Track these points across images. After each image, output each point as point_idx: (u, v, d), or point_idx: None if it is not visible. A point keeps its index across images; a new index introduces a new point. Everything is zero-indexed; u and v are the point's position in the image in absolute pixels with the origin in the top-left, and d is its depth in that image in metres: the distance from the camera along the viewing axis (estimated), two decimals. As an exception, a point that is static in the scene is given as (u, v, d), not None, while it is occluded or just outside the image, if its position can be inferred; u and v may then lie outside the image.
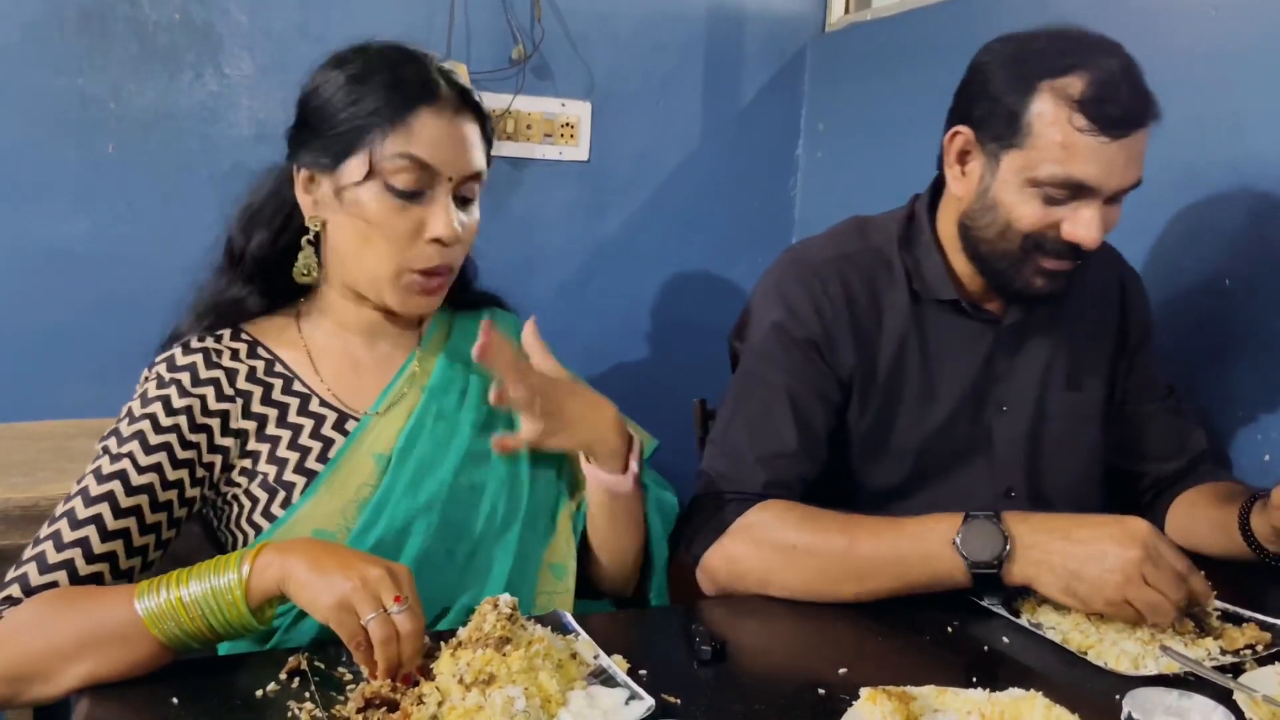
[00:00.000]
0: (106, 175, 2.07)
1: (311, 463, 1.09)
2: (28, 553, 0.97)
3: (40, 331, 2.05)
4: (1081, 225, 1.17)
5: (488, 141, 1.15)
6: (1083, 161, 1.14)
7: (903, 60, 2.24)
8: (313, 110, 1.10)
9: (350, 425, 1.12)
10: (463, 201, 1.12)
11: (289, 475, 1.08)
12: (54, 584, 0.94)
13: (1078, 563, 1.03)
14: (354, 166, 1.07)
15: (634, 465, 1.15)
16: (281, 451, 1.09)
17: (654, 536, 1.21)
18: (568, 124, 2.41)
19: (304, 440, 1.10)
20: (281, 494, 1.08)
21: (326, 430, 1.11)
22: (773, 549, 1.16)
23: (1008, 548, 1.06)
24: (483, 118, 1.14)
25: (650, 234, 2.54)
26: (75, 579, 0.95)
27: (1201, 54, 1.52)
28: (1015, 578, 1.07)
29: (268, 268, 1.16)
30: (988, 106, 1.20)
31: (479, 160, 1.12)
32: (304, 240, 1.13)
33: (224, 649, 1.05)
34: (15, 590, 0.94)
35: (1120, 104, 1.13)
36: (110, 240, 2.08)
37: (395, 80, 1.07)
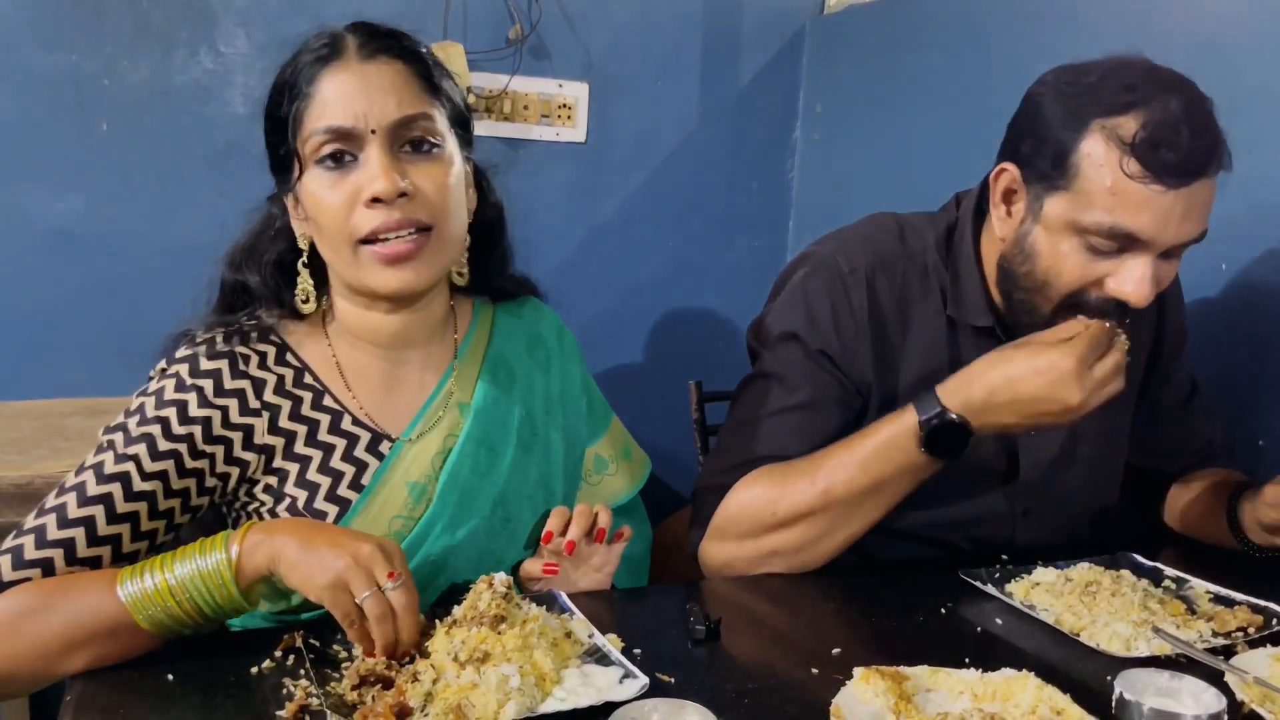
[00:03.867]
0: (101, 153, 2.05)
1: (344, 490, 1.04)
2: (7, 543, 0.92)
3: (35, 310, 2.04)
4: (1130, 281, 1.08)
5: (425, 77, 1.04)
6: (1133, 211, 1.05)
7: (901, 43, 2.23)
8: (266, 134, 1.06)
9: (385, 447, 1.07)
10: (415, 148, 1.02)
11: (320, 504, 1.03)
12: (28, 580, 0.90)
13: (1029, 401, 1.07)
14: (296, 167, 1.02)
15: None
16: (312, 475, 1.04)
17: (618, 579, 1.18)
18: (565, 105, 2.39)
19: (335, 463, 1.05)
20: None
21: (359, 453, 1.06)
22: (755, 538, 1.17)
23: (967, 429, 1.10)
24: (410, 53, 1.03)
25: (647, 216, 2.53)
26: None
27: (1198, 40, 1.52)
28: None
29: (278, 297, 1.09)
30: (1035, 143, 1.11)
31: (408, 102, 1.01)
32: (299, 264, 1.07)
33: (236, 625, 1.04)
34: None
35: (1178, 150, 1.02)
36: (104, 218, 2.07)
37: (300, 61, 1.02)
